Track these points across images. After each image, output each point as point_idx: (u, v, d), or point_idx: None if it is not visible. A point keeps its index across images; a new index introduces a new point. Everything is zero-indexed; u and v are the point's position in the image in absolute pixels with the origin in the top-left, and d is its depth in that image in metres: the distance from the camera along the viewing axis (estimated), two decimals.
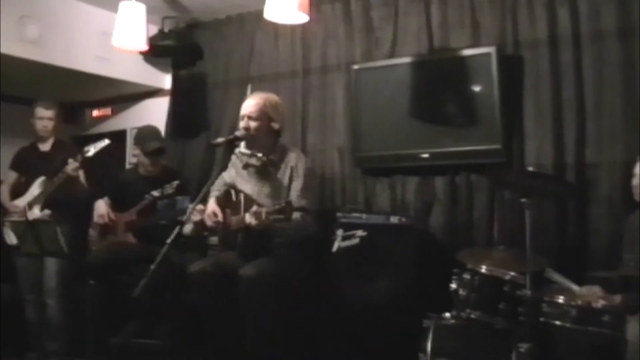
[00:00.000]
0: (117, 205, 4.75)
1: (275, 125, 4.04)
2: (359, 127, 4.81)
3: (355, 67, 4.82)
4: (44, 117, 4.91)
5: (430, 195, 4.55)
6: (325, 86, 5.12)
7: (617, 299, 3.15)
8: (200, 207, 3.97)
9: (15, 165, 5.04)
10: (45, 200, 4.72)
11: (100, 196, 4.78)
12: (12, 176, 5.01)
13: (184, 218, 3.79)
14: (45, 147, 4.99)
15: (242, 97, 4.90)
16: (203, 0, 5.40)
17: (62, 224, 4.45)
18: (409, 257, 4.15)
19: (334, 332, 4.14)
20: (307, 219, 3.88)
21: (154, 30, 5.60)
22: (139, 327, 4.64)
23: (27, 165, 4.96)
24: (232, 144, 4.04)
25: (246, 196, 3.96)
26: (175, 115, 5.92)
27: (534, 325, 3.23)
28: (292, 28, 4.86)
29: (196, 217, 4.02)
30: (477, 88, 4.30)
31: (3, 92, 5.59)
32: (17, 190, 4.91)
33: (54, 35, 5.19)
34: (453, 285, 3.51)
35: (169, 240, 3.50)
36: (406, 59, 4.63)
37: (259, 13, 4.00)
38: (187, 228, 4.04)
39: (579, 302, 3.17)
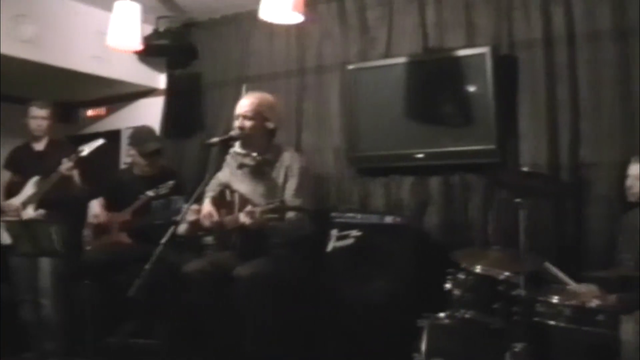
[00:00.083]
0: (111, 205, 4.74)
1: (270, 125, 4.04)
2: (354, 127, 4.81)
3: (351, 67, 4.81)
4: (38, 116, 4.90)
5: (425, 195, 4.55)
6: (320, 86, 5.12)
7: (612, 298, 3.15)
8: (195, 207, 3.97)
9: (9, 164, 5.03)
10: (40, 200, 4.72)
11: (95, 196, 4.77)
12: (6, 176, 5.00)
13: (179, 218, 3.79)
14: (40, 146, 4.98)
15: (237, 97, 4.88)
16: (198, 0, 5.40)
17: (57, 223, 4.43)
18: (403, 257, 4.15)
19: (329, 332, 4.13)
20: (301, 218, 3.88)
21: (149, 29, 5.59)
22: (136, 327, 4.63)
23: (21, 164, 4.95)
24: (227, 144, 4.04)
25: (241, 196, 3.95)
26: (169, 115, 5.91)
27: (528, 325, 3.23)
28: (287, 28, 4.86)
29: (191, 217, 4.02)
30: (472, 88, 4.30)
31: None
32: (11, 190, 4.90)
33: (49, 35, 5.18)
34: (448, 285, 3.51)
35: (163, 240, 3.50)
36: (401, 59, 4.62)
37: (254, 13, 4.00)
38: (182, 228, 4.03)
39: (574, 301, 3.18)
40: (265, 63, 5.41)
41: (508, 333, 3.29)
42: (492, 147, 4.21)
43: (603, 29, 3.98)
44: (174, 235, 3.60)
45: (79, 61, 5.40)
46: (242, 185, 4.06)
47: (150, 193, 4.53)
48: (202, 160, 5.48)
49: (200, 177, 4.69)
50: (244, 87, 5.46)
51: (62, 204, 4.74)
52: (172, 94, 5.96)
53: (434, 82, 4.47)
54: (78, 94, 6.52)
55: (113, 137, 6.14)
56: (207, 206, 4.02)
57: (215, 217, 3.95)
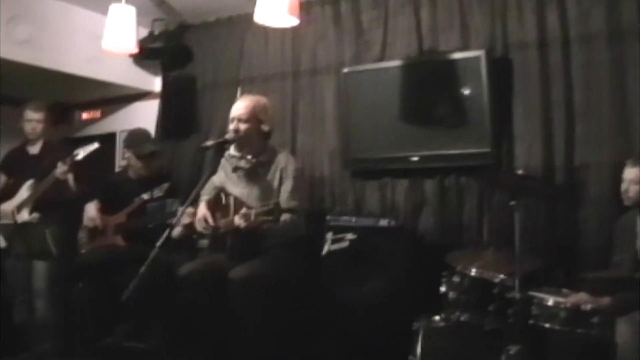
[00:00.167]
0: (107, 208, 4.73)
1: (265, 128, 4.04)
2: (349, 130, 4.81)
3: (345, 70, 4.82)
4: (33, 119, 4.88)
5: (420, 197, 4.55)
6: (315, 89, 5.12)
7: (606, 301, 3.15)
8: (190, 209, 3.96)
9: (4, 167, 5.01)
10: (34, 203, 4.70)
11: (90, 199, 4.77)
12: (0, 179, 4.98)
13: (174, 221, 3.78)
14: (35, 149, 4.96)
15: (231, 100, 4.88)
16: (193, 3, 5.40)
17: (51, 226, 4.43)
18: (399, 260, 4.15)
19: (324, 334, 4.13)
20: (296, 220, 3.88)
21: (144, 32, 5.58)
22: (131, 329, 4.62)
23: (16, 167, 4.93)
24: (221, 147, 4.03)
25: (236, 199, 3.95)
26: (165, 117, 5.90)
27: (523, 327, 3.23)
28: (282, 31, 4.86)
29: (186, 220, 4.02)
30: (466, 91, 4.31)
31: None
32: (6, 193, 4.88)
33: (44, 37, 5.17)
34: (443, 288, 3.51)
35: (158, 243, 3.50)
36: (396, 62, 4.63)
37: (249, 16, 3.99)
38: (177, 231, 4.03)
39: (568, 304, 3.18)
40: (260, 66, 5.41)
41: (503, 335, 3.29)
42: (486, 149, 4.21)
43: (597, 31, 3.99)
44: (169, 237, 3.60)
45: (74, 64, 5.39)
46: (237, 188, 4.06)
47: (145, 196, 4.54)
48: (197, 163, 5.49)
49: (196, 180, 4.71)
50: (238, 90, 5.47)
51: (56, 206, 4.73)
52: (167, 96, 5.95)
53: (428, 85, 4.48)
54: (73, 97, 6.52)
55: (108, 140, 6.14)
56: (202, 209, 4.02)
57: (210, 220, 3.95)
